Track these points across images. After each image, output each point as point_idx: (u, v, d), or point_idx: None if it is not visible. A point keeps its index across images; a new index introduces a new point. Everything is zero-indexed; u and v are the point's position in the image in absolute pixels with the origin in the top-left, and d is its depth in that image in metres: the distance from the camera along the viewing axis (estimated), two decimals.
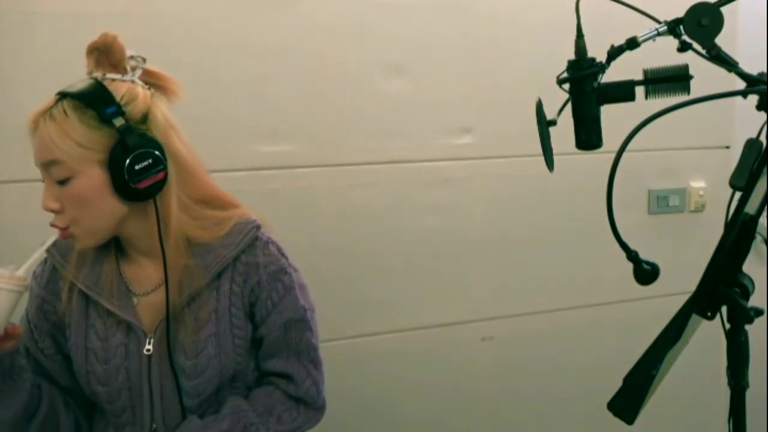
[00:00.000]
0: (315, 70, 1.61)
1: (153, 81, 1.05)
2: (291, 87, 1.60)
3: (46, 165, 0.97)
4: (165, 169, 1.00)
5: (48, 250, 1.08)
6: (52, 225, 1.00)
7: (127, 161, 0.96)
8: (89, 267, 1.08)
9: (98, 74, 1.00)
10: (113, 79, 1.00)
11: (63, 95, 0.98)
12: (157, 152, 0.98)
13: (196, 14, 1.51)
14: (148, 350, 1.05)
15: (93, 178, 0.97)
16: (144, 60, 1.04)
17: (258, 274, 1.09)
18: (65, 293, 1.08)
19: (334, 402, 1.70)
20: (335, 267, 1.68)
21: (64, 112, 0.96)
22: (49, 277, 1.11)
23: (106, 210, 1.00)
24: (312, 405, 1.14)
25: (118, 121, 0.96)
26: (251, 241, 1.09)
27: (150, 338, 1.05)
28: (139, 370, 1.05)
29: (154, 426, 1.07)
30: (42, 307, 1.11)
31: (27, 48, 1.41)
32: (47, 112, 0.97)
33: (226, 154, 1.56)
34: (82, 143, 0.96)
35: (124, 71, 1.02)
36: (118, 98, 0.98)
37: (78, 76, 1.02)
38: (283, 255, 1.13)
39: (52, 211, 0.99)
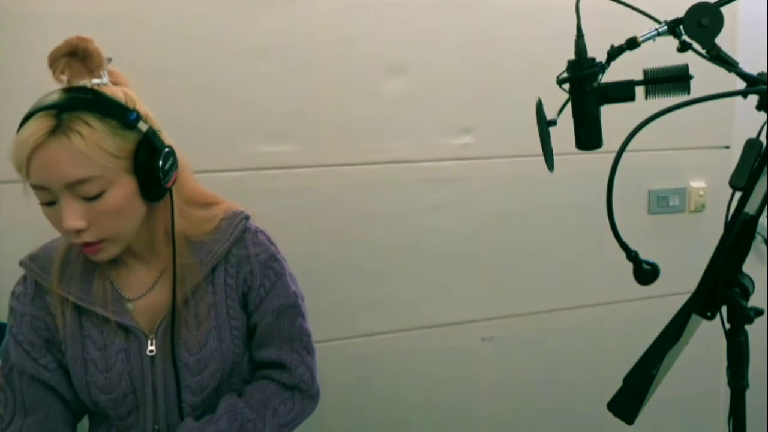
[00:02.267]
0: (315, 70, 1.61)
1: (113, 80, 1.01)
2: (291, 87, 1.59)
3: (72, 185, 0.91)
4: (178, 164, 1.02)
5: (27, 266, 1.07)
6: (78, 244, 0.97)
7: (160, 162, 0.96)
8: (78, 279, 1.05)
9: (84, 81, 0.95)
10: (98, 85, 0.96)
11: (63, 108, 0.91)
12: (172, 148, 1.01)
13: (195, 14, 1.51)
14: (152, 351, 1.05)
15: (125, 186, 0.95)
16: (110, 60, 1.00)
17: (250, 264, 1.10)
18: (58, 308, 1.06)
19: (334, 401, 1.70)
20: (335, 267, 1.68)
21: (87, 124, 0.91)
22: (34, 294, 1.08)
23: (135, 216, 0.99)
24: (307, 392, 1.14)
25: (143, 126, 0.96)
26: (241, 233, 1.10)
27: (152, 339, 1.05)
28: (141, 373, 1.05)
29: (157, 427, 1.07)
30: (33, 324, 1.07)
31: (25, 48, 1.41)
32: (59, 130, 0.90)
33: (226, 154, 1.56)
34: (115, 153, 0.93)
35: (99, 76, 0.97)
36: (124, 103, 0.96)
37: None
38: (272, 243, 1.14)
39: (79, 230, 0.94)
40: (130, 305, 1.07)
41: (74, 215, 0.93)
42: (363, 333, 1.73)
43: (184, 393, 1.06)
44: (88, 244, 0.96)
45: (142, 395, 1.06)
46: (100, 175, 0.92)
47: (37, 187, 0.93)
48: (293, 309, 1.14)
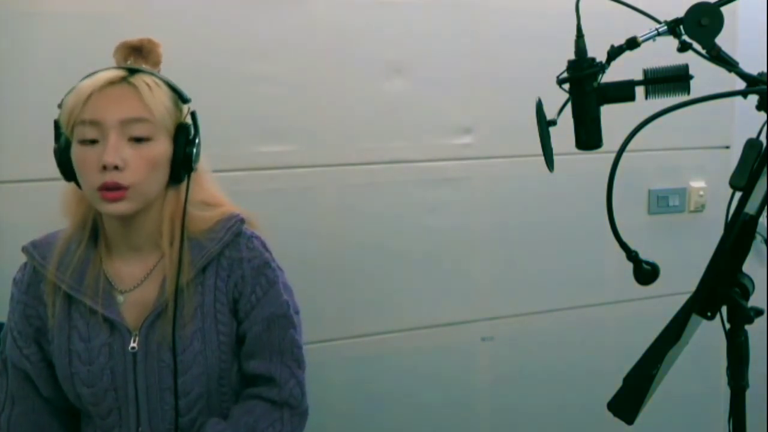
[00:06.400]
0: (315, 70, 1.61)
1: None
2: (291, 87, 1.59)
3: (128, 121, 0.98)
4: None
5: (28, 251, 1.08)
6: (107, 184, 0.96)
7: (196, 144, 1.06)
8: (73, 268, 1.06)
9: (146, 67, 1.05)
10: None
11: (132, 71, 1.02)
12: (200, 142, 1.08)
13: (196, 14, 1.51)
14: (133, 348, 1.04)
15: (164, 146, 1.02)
16: None
17: (242, 269, 1.09)
18: (49, 296, 1.06)
19: (334, 402, 1.70)
20: (335, 267, 1.68)
21: (155, 82, 1.02)
22: (30, 281, 1.09)
23: (161, 182, 1.04)
24: (297, 409, 1.10)
25: (191, 107, 1.08)
26: (235, 236, 1.09)
27: (135, 336, 1.04)
28: (124, 370, 1.04)
29: (141, 429, 1.05)
30: (25, 312, 1.08)
31: (27, 48, 1.41)
32: (133, 76, 1.01)
33: (226, 154, 1.55)
34: (170, 114, 1.03)
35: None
36: None
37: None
38: (267, 250, 1.13)
39: (114, 167, 0.96)
40: (120, 297, 1.07)
41: (117, 152, 0.97)
42: (362, 333, 1.73)
43: (166, 395, 1.04)
44: (115, 189, 0.97)
45: (123, 393, 1.04)
46: (151, 120, 1.00)
47: (88, 123, 0.98)
48: (285, 319, 1.11)
